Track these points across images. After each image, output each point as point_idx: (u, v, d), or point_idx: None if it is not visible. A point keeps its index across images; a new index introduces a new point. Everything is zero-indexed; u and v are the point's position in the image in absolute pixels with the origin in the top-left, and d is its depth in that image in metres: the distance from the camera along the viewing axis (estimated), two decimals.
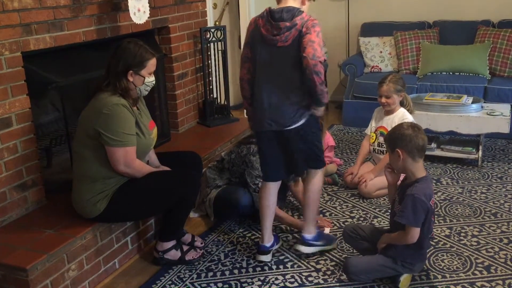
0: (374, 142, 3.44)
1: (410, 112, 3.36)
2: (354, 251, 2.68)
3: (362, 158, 3.52)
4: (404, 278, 2.38)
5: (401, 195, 2.34)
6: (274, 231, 2.94)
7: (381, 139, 3.37)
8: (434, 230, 2.87)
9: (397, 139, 2.32)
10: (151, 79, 2.47)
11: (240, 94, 2.64)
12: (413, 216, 2.24)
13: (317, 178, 2.60)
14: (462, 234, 2.83)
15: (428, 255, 2.61)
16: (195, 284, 2.50)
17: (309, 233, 2.66)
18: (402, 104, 3.37)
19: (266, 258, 2.65)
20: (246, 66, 2.50)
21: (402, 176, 2.45)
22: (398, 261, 2.36)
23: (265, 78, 2.43)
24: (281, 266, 2.61)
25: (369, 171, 3.35)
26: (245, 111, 2.66)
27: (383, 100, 3.30)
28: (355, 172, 3.41)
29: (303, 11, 2.36)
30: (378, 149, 3.42)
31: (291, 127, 2.43)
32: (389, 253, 2.38)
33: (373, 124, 3.48)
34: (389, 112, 3.35)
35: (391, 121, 3.30)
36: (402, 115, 3.29)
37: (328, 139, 3.63)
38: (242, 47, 2.50)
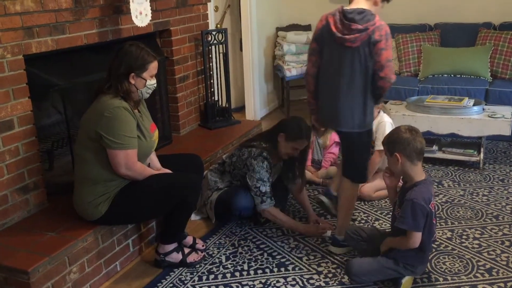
0: None
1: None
2: (356, 253, 2.68)
3: None
4: (406, 281, 2.38)
5: (401, 198, 2.34)
6: (275, 233, 2.94)
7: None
8: (436, 232, 2.87)
9: (395, 143, 2.31)
10: (152, 82, 2.48)
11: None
12: (413, 221, 2.24)
13: (352, 188, 2.65)
14: (464, 237, 2.83)
15: (429, 257, 2.61)
16: (197, 286, 2.50)
17: (340, 235, 2.71)
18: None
19: (338, 251, 2.73)
20: (313, 59, 2.53)
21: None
22: (400, 263, 2.36)
23: (329, 75, 2.47)
24: (282, 269, 2.61)
25: None
26: (308, 104, 2.71)
27: None
28: None
29: (375, 15, 2.36)
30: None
31: (347, 130, 2.49)
32: (391, 255, 2.38)
33: None
34: None
35: (374, 132, 3.27)
36: (379, 119, 3.28)
37: (335, 136, 3.68)
38: (310, 42, 2.56)
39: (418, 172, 2.33)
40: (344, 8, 2.41)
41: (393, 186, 2.45)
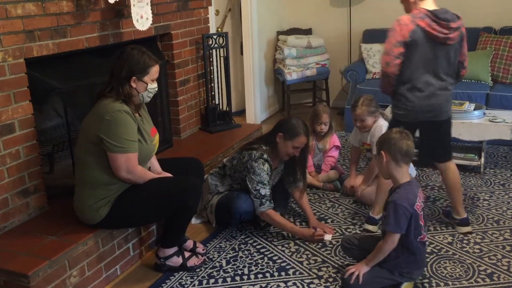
0: (365, 156, 3.52)
1: None
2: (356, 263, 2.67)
3: (355, 168, 3.56)
4: (405, 287, 2.37)
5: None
6: (276, 238, 2.94)
7: (369, 154, 3.42)
8: (437, 237, 2.87)
9: (383, 141, 2.36)
10: (153, 86, 2.48)
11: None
12: (395, 223, 2.25)
13: (455, 168, 2.92)
14: (465, 241, 2.82)
15: (430, 262, 2.61)
16: None
17: (377, 214, 2.96)
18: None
19: (373, 228, 2.95)
20: (398, 63, 2.67)
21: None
22: (394, 272, 2.35)
23: (429, 71, 2.69)
24: (282, 273, 2.60)
25: (360, 183, 3.39)
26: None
27: (358, 124, 3.33)
28: (354, 184, 3.44)
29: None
30: (369, 163, 3.47)
31: (444, 118, 2.80)
32: (384, 265, 2.36)
33: (358, 137, 3.47)
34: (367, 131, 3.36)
35: (371, 136, 3.30)
36: (376, 125, 3.29)
37: (335, 140, 3.69)
38: (392, 46, 2.64)
39: (404, 174, 2.34)
40: (429, 10, 2.61)
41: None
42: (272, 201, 2.87)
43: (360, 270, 2.36)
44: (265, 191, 2.85)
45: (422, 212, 2.32)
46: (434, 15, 2.59)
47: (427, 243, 2.53)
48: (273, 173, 3.01)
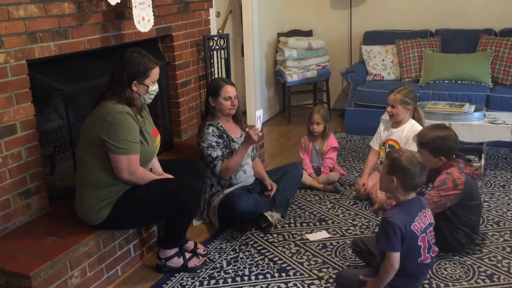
0: (383, 156, 3.42)
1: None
2: (357, 259, 2.68)
3: (369, 171, 3.47)
4: None
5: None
6: (276, 239, 2.94)
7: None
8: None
9: (399, 168, 2.18)
10: (154, 88, 2.49)
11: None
12: (386, 240, 2.12)
13: None
14: None
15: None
16: None
17: None
18: (414, 118, 3.35)
19: None
20: None
21: None
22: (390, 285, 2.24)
23: None
24: (283, 274, 2.61)
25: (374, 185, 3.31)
26: None
27: (389, 109, 3.30)
28: (366, 183, 3.39)
29: None
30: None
31: None
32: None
33: (381, 138, 3.44)
34: (397, 124, 3.33)
35: (400, 133, 3.29)
36: (411, 127, 3.26)
37: (333, 141, 3.68)
38: None
39: (408, 197, 2.22)
40: None
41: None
42: (224, 159, 3.01)
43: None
44: (216, 153, 3.00)
45: (424, 234, 2.18)
46: None
47: (431, 264, 2.31)
48: (241, 141, 3.06)
